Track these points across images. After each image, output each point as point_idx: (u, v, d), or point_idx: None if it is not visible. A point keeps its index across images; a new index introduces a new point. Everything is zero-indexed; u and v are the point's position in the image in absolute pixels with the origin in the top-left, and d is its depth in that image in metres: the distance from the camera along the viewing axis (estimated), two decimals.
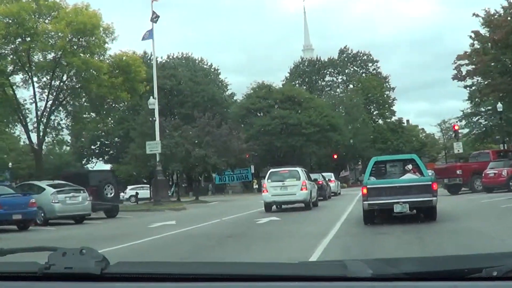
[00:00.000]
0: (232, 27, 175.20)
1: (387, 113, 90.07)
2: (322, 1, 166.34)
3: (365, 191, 15.42)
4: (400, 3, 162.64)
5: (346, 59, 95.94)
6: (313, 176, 27.61)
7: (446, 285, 1.52)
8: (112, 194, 25.78)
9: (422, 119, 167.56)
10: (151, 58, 77.98)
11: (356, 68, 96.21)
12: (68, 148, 69.30)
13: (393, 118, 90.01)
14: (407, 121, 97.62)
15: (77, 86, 35.46)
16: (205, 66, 79.95)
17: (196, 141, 39.72)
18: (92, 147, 69.83)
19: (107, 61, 35.22)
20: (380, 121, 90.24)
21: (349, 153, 76.58)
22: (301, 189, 22.66)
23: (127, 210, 29.36)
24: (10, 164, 69.01)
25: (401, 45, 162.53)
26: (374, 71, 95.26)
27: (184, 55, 78.35)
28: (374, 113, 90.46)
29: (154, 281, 1.72)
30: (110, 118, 43.20)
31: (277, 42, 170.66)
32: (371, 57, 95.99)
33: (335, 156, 70.54)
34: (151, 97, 35.18)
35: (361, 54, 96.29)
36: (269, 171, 24.45)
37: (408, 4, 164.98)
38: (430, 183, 15.35)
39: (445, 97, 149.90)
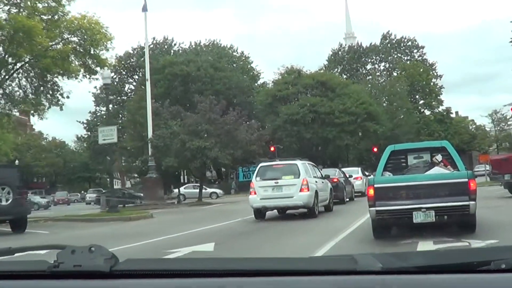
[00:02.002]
0: (280, 23, 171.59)
1: (433, 103, 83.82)
2: None
3: (371, 192, 10.64)
4: None
5: (389, 45, 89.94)
6: (326, 172, 22.33)
7: (456, 277, 1.51)
8: (9, 201, 18.00)
9: (472, 114, 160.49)
10: (172, 44, 75.52)
11: (400, 55, 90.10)
12: None
13: (441, 108, 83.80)
14: (456, 112, 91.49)
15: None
16: (235, 54, 76.04)
17: (194, 130, 33.41)
18: None
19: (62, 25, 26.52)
20: (426, 111, 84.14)
21: None
22: (301, 190, 16.83)
23: (62, 220, 23.66)
24: (16, 161, 65.80)
25: (451, 37, 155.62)
26: (420, 58, 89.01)
27: (212, 42, 74.57)
28: (420, 102, 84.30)
29: (164, 277, 1.67)
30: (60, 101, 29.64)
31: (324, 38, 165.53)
32: (416, 43, 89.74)
33: (375, 149, 64.82)
34: (105, 68, 27.92)
35: (406, 40, 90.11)
36: (259, 166, 18.42)
37: None
38: (466, 180, 10.48)
39: (496, 91, 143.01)
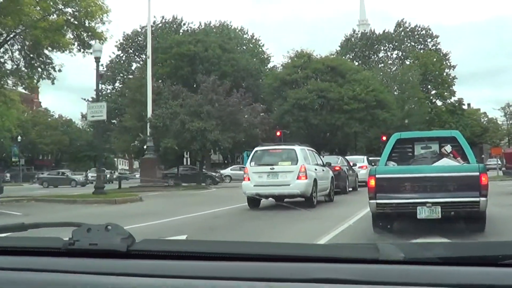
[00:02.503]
0: (294, 9, 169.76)
1: (446, 93, 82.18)
2: None
3: (372, 183, 9.58)
4: None
5: (403, 33, 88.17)
6: (329, 159, 21.15)
7: (479, 270, 1.49)
8: None
9: (484, 107, 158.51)
10: (181, 23, 74.14)
11: (413, 43, 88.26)
12: None
13: (453, 99, 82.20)
14: (468, 104, 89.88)
15: None
16: (245, 36, 74.73)
17: (195, 111, 31.98)
18: None
19: None
20: (438, 102, 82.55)
21: None
22: (298, 178, 15.60)
23: (45, 200, 22.39)
24: (19, 137, 65.00)
25: (464, 29, 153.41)
26: (433, 48, 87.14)
27: (222, 24, 73.29)
28: (432, 92, 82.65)
29: (181, 259, 1.65)
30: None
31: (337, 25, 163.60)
32: (430, 32, 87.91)
33: (384, 138, 63.38)
34: (96, 40, 25.68)
35: (419, 29, 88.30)
36: (254, 150, 17.13)
37: None
38: (478, 173, 9.40)
39: (510, 85, 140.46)
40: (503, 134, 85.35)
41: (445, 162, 10.60)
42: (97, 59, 24.33)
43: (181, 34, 68.03)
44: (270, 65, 74.57)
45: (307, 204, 15.80)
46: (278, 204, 16.08)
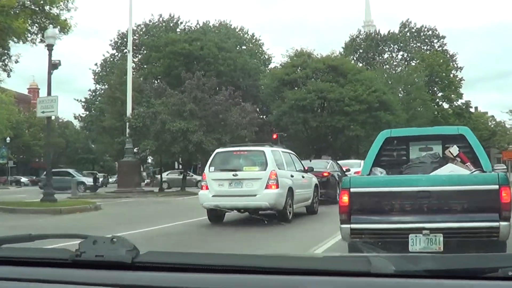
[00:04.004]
0: (300, 11, 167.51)
1: (452, 96, 79.11)
2: None
3: (345, 200, 6.82)
4: None
5: (408, 33, 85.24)
6: (317, 163, 18.27)
7: (464, 283, 1.53)
8: None
9: (491, 111, 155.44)
10: (178, 22, 71.47)
11: (419, 44, 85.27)
12: None
13: (460, 102, 79.13)
14: (476, 108, 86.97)
15: None
16: (245, 36, 72.05)
17: (177, 110, 29.00)
18: None
19: None
20: (445, 105, 79.50)
21: None
22: (267, 187, 12.74)
23: None
24: (8, 138, 62.67)
25: (472, 32, 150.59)
26: (440, 49, 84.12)
27: (221, 23, 70.59)
28: (438, 94, 79.60)
29: (185, 271, 1.68)
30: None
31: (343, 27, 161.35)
32: (437, 32, 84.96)
33: None
34: (51, 25, 22.31)
35: (425, 29, 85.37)
36: (215, 152, 14.16)
37: None
38: (497, 187, 6.58)
39: None
40: (511, 138, 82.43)
41: (450, 169, 7.78)
42: (50, 47, 21.31)
43: (178, 32, 65.61)
44: (271, 66, 72.13)
45: (281, 218, 12.92)
46: (246, 218, 13.32)
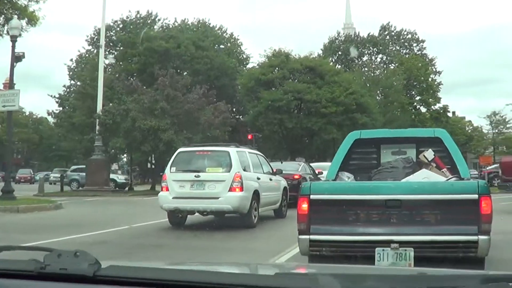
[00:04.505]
0: (280, 13, 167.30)
1: (430, 100, 79.12)
2: None
3: (304, 207, 6.02)
4: None
5: (388, 37, 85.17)
6: (287, 165, 17.46)
7: None
8: None
9: (468, 116, 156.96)
10: (156, 19, 70.41)
11: (398, 48, 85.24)
12: None
13: (437, 106, 79.14)
14: (453, 112, 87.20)
15: None
16: (224, 35, 71.21)
17: (149, 108, 27.97)
18: None
19: None
20: (422, 108, 79.49)
21: None
22: (231, 189, 12.03)
23: None
24: None
25: (451, 38, 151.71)
26: (419, 52, 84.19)
27: (199, 21, 69.64)
28: (416, 98, 79.55)
29: (145, 286, 1.67)
30: None
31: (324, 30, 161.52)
32: (416, 36, 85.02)
33: None
34: (15, 17, 20.92)
35: (405, 33, 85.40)
36: (177, 152, 13.37)
37: None
38: (476, 196, 5.82)
39: (495, 96, 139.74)
40: (488, 143, 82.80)
41: (424, 175, 7.01)
42: (14, 38, 20.25)
43: (155, 30, 64.56)
44: (249, 66, 71.39)
45: (246, 223, 12.10)
46: (210, 221, 12.48)
